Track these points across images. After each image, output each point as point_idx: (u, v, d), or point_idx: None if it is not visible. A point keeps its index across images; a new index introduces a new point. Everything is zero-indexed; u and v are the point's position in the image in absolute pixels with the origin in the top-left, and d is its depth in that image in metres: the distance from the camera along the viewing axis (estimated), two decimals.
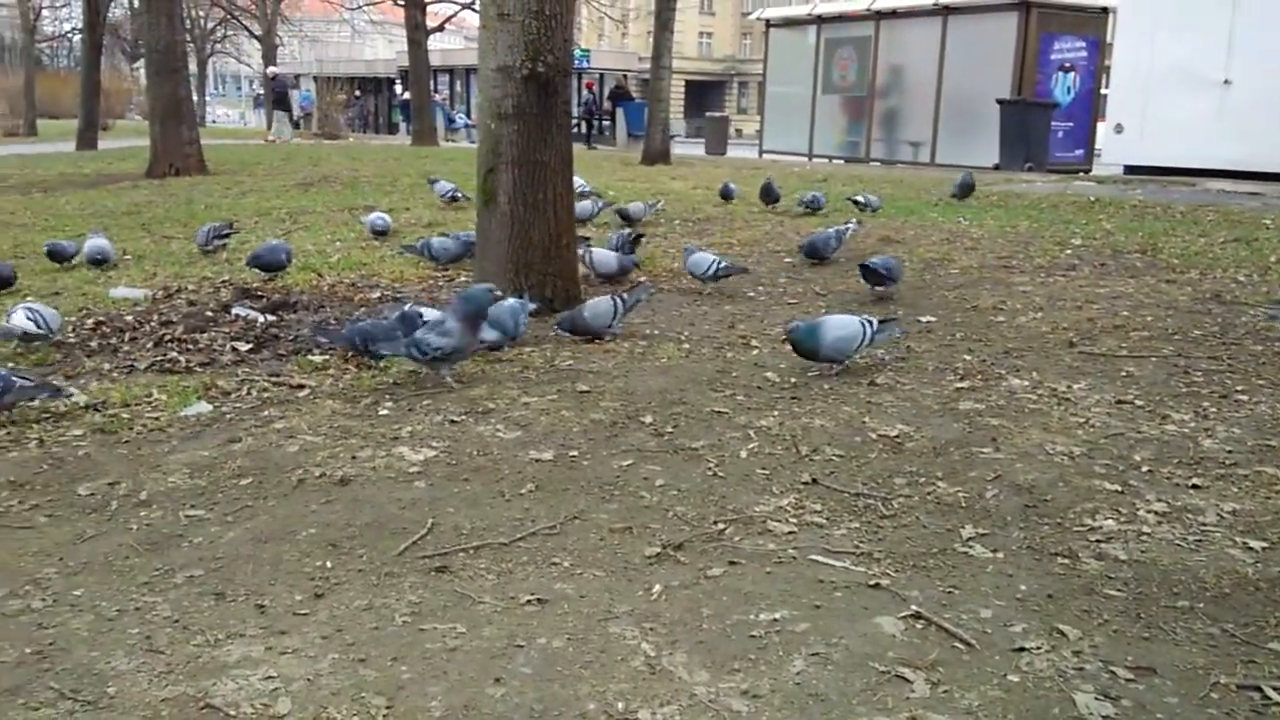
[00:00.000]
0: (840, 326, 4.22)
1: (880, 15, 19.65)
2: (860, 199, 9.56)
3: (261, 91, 43.64)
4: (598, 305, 4.96)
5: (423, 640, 2.29)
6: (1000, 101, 16.09)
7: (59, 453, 3.49)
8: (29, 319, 4.70)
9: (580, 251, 6.24)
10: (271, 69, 32.64)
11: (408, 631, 2.33)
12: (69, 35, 45.61)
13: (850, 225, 7.25)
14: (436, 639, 2.29)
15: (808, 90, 21.26)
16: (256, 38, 40.05)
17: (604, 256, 6.23)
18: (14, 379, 3.76)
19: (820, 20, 21.18)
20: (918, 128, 19.01)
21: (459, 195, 10.30)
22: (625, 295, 5.07)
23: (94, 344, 4.96)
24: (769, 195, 10.29)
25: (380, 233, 8.28)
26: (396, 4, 28.32)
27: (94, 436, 3.63)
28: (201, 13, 39.64)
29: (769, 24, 23.22)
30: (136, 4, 35.27)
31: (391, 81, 41.25)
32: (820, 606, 2.40)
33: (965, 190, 10.90)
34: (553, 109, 5.31)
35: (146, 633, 2.32)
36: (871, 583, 2.51)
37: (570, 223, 5.64)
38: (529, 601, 2.45)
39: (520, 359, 4.59)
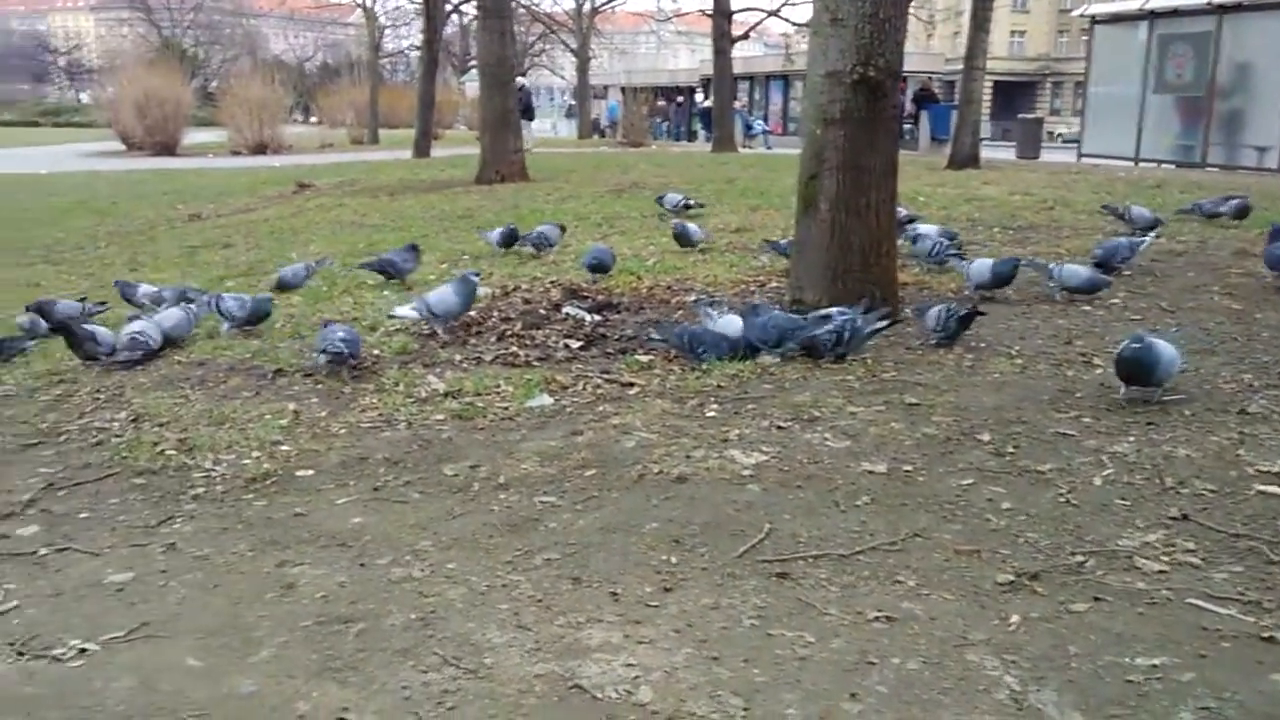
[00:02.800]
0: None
1: (1223, 9, 17.81)
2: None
3: (573, 102, 46.01)
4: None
5: (772, 645, 2.30)
6: None
7: (425, 435, 3.82)
8: (414, 309, 5.23)
9: (961, 264, 6.15)
10: (520, 81, 34.42)
11: (756, 635, 2.35)
12: (406, 52, 50.02)
13: (1148, 238, 6.89)
14: (785, 646, 2.29)
15: (1136, 90, 19.62)
16: (572, 51, 42.25)
17: (980, 267, 6.04)
18: None
19: (1153, 15, 19.49)
20: (1264, 131, 17.06)
21: (690, 203, 10.37)
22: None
23: (446, 336, 5.39)
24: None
25: (690, 243, 8.15)
26: (704, 14, 28.97)
27: (454, 422, 3.95)
28: (522, 28, 42.28)
29: (1094, 20, 21.66)
30: (467, 22, 38.22)
31: (692, 90, 42.26)
32: (1205, 656, 2.19)
33: None
34: (880, 113, 5.20)
35: (515, 609, 2.49)
36: (1265, 635, 2.26)
37: (891, 230, 5.51)
38: (876, 618, 2.40)
39: (842, 368, 4.54)
